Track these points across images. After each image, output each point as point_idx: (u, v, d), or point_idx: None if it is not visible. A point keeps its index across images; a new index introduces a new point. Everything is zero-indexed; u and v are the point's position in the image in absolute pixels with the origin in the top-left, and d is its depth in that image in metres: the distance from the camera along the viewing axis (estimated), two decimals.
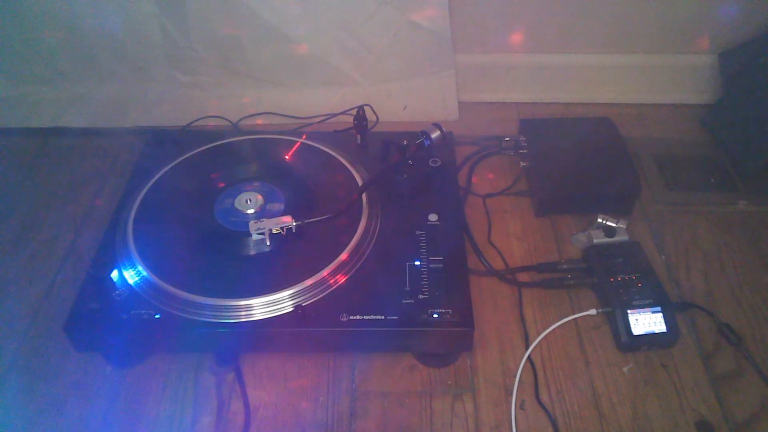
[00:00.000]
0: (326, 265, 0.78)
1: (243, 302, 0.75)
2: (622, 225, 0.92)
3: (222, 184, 0.90)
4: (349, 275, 0.79)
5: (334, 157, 0.94)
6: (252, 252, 0.82)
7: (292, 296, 0.75)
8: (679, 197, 1.04)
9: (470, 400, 0.77)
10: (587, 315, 0.85)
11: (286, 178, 0.91)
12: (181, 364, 0.80)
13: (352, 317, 0.74)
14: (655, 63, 1.18)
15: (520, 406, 0.77)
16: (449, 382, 0.79)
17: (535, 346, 0.83)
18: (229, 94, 1.17)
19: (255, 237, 0.81)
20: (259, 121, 1.15)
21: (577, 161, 1.00)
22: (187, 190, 0.90)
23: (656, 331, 0.80)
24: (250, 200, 0.86)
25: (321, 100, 1.15)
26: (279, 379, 0.79)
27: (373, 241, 0.83)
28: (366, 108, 1.00)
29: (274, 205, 0.87)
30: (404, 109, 1.18)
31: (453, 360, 0.81)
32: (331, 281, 0.78)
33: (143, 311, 0.75)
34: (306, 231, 0.83)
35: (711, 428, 0.75)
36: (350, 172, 0.92)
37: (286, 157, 0.95)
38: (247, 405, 0.76)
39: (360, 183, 0.90)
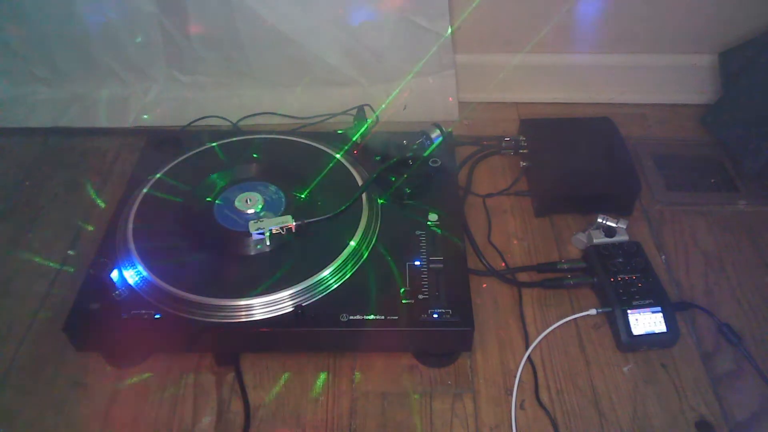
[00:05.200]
0: (326, 265, 0.78)
1: (243, 302, 0.75)
2: (622, 225, 0.92)
3: (222, 185, 0.90)
4: (349, 275, 0.79)
5: (334, 157, 0.94)
6: (252, 252, 0.82)
7: (292, 296, 0.75)
8: (679, 197, 1.04)
9: (470, 400, 0.77)
10: (587, 315, 0.85)
11: (286, 178, 0.91)
12: (181, 364, 0.80)
13: (352, 317, 0.74)
14: (655, 63, 1.18)
15: (520, 406, 0.77)
16: (449, 382, 0.79)
17: (535, 346, 0.83)
18: (229, 94, 1.17)
19: (255, 237, 0.81)
20: (259, 120, 1.15)
21: (577, 161, 1.00)
22: (186, 190, 0.90)
23: (656, 331, 0.80)
24: (250, 200, 0.86)
25: (321, 100, 1.15)
26: (279, 379, 0.79)
27: (373, 241, 0.83)
28: (366, 108, 1.00)
29: (274, 204, 0.87)
30: (404, 109, 1.18)
31: (453, 360, 0.81)
32: (331, 281, 0.78)
33: (143, 311, 0.75)
34: (306, 231, 0.83)
35: (711, 428, 0.75)
36: (350, 172, 0.92)
37: (286, 157, 0.95)
38: (247, 405, 0.76)
39: (360, 183, 0.90)
